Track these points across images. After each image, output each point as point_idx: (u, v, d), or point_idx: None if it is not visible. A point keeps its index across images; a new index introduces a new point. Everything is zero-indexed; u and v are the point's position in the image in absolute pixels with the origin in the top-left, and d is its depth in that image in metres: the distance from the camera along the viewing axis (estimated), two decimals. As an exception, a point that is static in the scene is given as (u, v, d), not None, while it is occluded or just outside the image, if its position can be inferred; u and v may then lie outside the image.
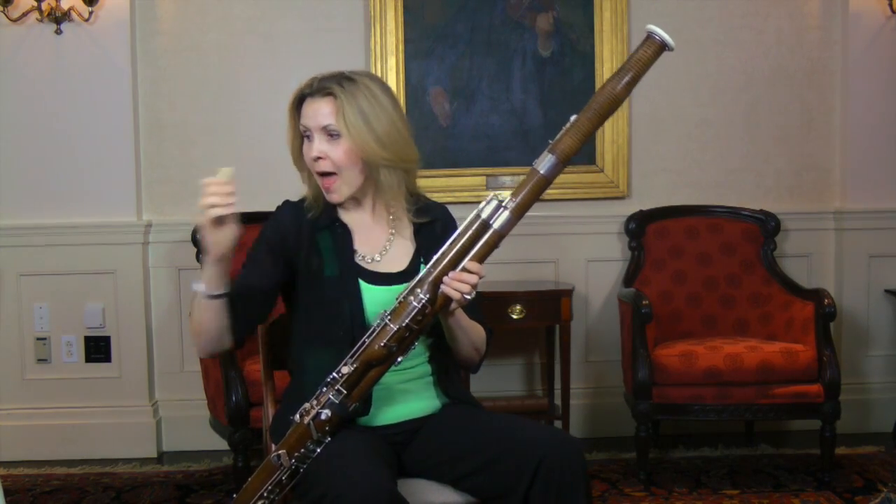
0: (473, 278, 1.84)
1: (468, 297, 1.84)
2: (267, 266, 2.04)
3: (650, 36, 1.82)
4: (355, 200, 2.08)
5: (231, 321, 1.96)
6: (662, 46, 1.82)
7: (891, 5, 4.01)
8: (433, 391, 2.11)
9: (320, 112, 1.98)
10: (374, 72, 3.97)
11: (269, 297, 2.06)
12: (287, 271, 2.06)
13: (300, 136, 2.04)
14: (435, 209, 2.16)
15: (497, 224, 1.83)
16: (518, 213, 1.84)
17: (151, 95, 4.01)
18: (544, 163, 1.85)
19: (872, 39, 4.09)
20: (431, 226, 2.12)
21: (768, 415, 3.48)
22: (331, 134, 1.98)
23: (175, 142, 4.04)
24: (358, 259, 2.06)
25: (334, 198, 2.03)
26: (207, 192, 1.80)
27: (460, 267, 1.84)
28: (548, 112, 4.08)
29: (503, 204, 1.83)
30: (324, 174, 2.01)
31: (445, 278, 1.84)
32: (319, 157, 1.99)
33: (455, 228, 1.92)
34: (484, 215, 1.84)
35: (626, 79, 1.83)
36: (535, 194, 1.84)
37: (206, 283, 1.91)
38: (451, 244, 1.86)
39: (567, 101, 4.04)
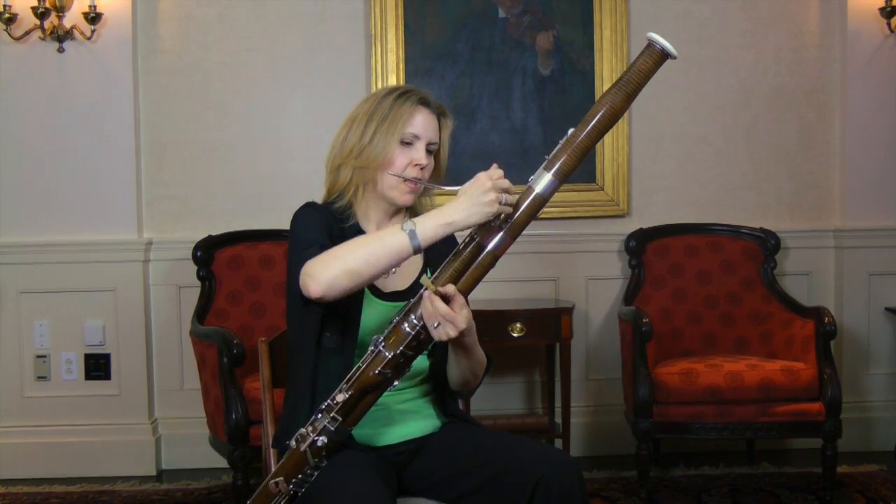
0: (445, 311, 1.76)
1: (435, 327, 1.76)
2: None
3: (651, 44, 1.72)
4: (392, 211, 2.10)
5: None
6: (664, 55, 1.72)
7: (889, 24, 4.03)
8: (432, 410, 2.11)
9: (432, 126, 2.07)
10: (374, 90, 3.98)
11: None
12: None
13: (395, 136, 2.01)
14: None
15: (491, 245, 1.78)
16: (514, 234, 1.79)
17: (153, 113, 4.03)
18: (541, 181, 1.79)
19: (871, 58, 4.10)
20: (438, 244, 2.11)
21: (769, 433, 3.47)
22: (429, 150, 2.06)
23: (176, 160, 4.05)
24: None
25: (408, 199, 2.06)
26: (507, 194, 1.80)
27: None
28: (548, 130, 4.10)
29: (498, 224, 1.79)
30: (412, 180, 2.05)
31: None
32: (424, 167, 2.05)
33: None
34: (478, 236, 1.79)
35: (627, 91, 1.74)
36: (531, 214, 1.79)
37: (429, 240, 1.80)
38: (445, 266, 1.82)
39: (567, 120, 4.05)
